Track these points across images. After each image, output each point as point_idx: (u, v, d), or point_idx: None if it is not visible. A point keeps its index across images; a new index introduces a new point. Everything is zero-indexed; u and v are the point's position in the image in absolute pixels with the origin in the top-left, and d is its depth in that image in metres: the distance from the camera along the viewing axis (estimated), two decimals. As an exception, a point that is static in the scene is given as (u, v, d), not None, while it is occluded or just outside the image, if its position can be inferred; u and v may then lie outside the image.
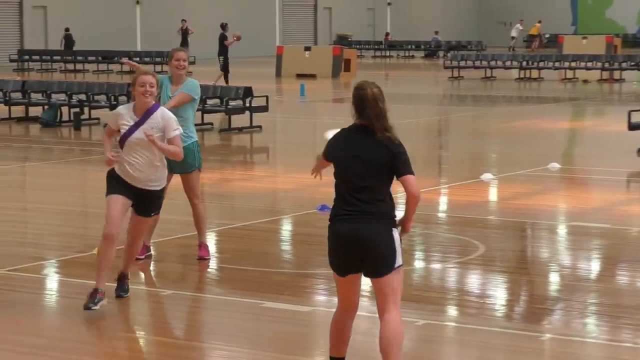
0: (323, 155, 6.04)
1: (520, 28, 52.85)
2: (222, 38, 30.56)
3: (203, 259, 9.35)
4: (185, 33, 40.71)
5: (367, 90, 5.87)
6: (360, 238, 5.73)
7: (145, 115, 7.48)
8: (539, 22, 53.66)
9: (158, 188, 7.68)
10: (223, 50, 30.22)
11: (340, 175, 5.90)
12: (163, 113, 7.55)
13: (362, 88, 5.90)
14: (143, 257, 9.19)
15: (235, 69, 32.72)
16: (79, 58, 39.70)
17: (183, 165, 9.09)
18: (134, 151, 7.62)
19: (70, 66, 39.84)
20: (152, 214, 7.90)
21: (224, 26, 30.86)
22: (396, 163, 5.80)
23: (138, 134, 7.37)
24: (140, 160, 7.41)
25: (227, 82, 27.67)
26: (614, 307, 8.25)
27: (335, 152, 5.94)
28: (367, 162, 5.84)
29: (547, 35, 52.96)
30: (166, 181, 8.17)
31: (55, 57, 40.49)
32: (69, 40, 41.96)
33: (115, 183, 7.63)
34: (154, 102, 7.74)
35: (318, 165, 6.19)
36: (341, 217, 5.83)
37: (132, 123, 7.45)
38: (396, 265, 5.79)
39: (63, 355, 6.60)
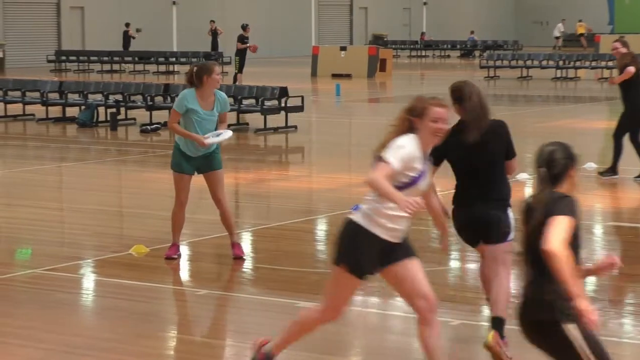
0: None
1: (562, 29, 52.64)
2: (240, 39, 30.83)
3: (239, 257, 9.24)
4: (215, 34, 40.97)
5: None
6: None
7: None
8: (580, 20, 53.34)
9: None
10: (240, 50, 30.48)
11: None
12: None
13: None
14: (176, 256, 9.13)
15: (270, 69, 32.90)
16: (116, 59, 39.84)
17: (213, 164, 9.01)
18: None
19: (107, 67, 40.11)
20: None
21: (244, 27, 31.04)
22: None
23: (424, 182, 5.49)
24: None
25: (234, 82, 27.93)
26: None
27: None
28: None
29: (585, 34, 52.56)
30: None
31: (92, 58, 40.58)
32: (126, 38, 41.95)
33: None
34: None
35: None
36: None
37: (421, 168, 5.44)
38: None
39: (100, 354, 6.65)
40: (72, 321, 7.50)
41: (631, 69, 13.70)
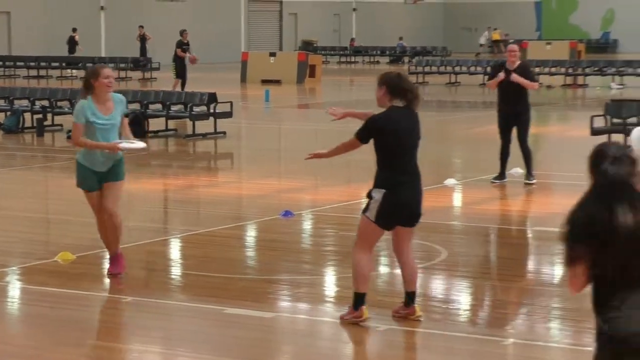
0: None
1: (488, 36, 54.65)
2: (179, 44, 30.85)
3: (117, 274, 9.06)
4: (143, 40, 41.47)
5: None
6: None
7: None
8: (495, 29, 55.80)
9: None
10: (177, 57, 30.50)
11: None
12: None
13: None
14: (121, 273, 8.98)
15: (200, 75, 33.02)
16: (42, 64, 39.86)
17: (117, 174, 8.96)
18: None
19: (33, 72, 40.09)
20: None
21: (182, 32, 31.20)
22: None
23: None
24: None
25: (183, 89, 28.10)
26: (577, 311, 8.37)
27: None
28: None
29: (511, 41, 54.03)
30: None
31: (18, 63, 40.40)
32: (72, 44, 41.89)
33: None
34: None
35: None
36: None
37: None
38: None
39: (23, 363, 6.58)
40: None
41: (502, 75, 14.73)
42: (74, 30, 41.93)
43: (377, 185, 7.53)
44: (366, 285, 7.71)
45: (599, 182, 4.22)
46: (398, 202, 7.49)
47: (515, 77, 14.44)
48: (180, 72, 29.57)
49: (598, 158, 4.30)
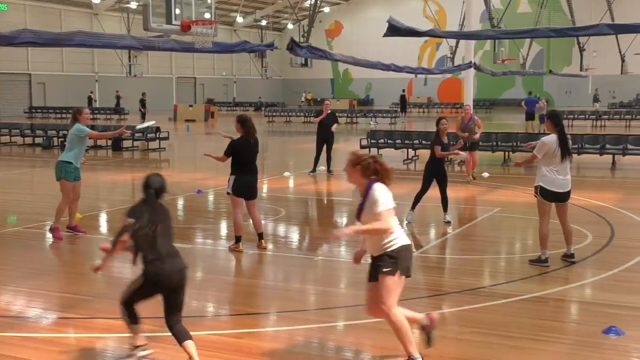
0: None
1: (305, 97, 77.22)
2: (141, 101, 43.88)
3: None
4: (118, 98, 61.04)
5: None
6: None
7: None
8: (309, 92, 78.25)
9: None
10: (142, 109, 43.06)
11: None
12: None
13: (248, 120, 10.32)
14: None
15: (150, 117, 40.98)
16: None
17: (80, 175, 11.27)
18: None
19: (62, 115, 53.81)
20: None
21: (143, 94, 45.29)
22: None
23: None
24: None
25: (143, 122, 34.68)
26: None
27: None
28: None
29: (318, 99, 74.06)
30: None
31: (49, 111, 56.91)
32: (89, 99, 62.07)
33: None
34: None
35: None
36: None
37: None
38: None
39: None
40: None
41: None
42: (91, 92, 61.24)
43: (231, 173, 10.16)
44: (241, 230, 10.57)
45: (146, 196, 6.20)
46: (242, 183, 10.35)
47: (333, 128, 19.89)
48: (143, 115, 41.33)
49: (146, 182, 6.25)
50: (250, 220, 11.13)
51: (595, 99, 55.26)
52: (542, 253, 10.38)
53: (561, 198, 10.15)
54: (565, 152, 9.99)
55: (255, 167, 10.70)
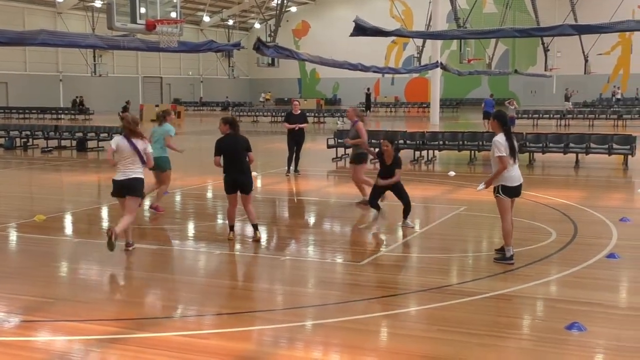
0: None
1: (265, 97, 78.45)
2: (124, 107, 43.75)
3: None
4: (82, 100, 60.67)
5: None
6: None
7: None
8: (269, 92, 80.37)
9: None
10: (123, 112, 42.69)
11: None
12: None
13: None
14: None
15: (114, 117, 43.37)
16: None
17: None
18: None
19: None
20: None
21: (127, 102, 47.57)
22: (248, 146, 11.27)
23: None
24: None
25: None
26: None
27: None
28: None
29: (286, 99, 76.93)
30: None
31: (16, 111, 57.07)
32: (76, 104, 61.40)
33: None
34: None
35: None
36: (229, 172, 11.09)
37: None
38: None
39: None
40: None
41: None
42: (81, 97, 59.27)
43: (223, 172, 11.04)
44: (233, 220, 11.58)
45: None
46: (227, 180, 11.24)
47: (297, 125, 19.83)
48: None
49: None
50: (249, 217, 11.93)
51: (567, 98, 55.80)
52: (507, 250, 10.60)
53: (518, 192, 10.47)
54: (513, 151, 10.32)
55: (241, 165, 11.34)
